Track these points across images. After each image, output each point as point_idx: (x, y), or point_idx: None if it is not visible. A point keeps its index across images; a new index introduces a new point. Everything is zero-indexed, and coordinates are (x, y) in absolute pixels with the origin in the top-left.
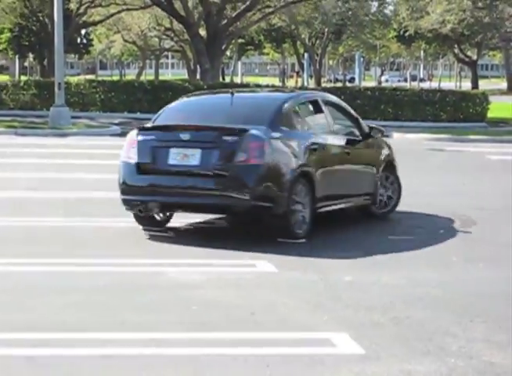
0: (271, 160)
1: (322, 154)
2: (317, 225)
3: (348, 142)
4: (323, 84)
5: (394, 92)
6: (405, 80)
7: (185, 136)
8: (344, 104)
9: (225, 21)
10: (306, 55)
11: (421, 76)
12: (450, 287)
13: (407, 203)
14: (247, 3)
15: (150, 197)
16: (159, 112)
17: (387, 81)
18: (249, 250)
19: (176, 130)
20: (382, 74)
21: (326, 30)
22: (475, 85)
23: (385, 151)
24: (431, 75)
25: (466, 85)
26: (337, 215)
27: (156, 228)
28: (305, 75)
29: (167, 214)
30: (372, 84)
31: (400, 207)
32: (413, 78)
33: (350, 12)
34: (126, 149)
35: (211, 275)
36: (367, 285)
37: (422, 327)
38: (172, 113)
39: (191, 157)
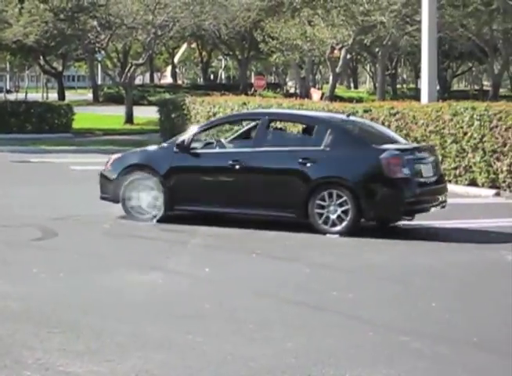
0: None
1: None
2: None
3: None
4: None
5: None
6: None
7: None
8: None
9: None
10: None
11: (8, 87)
12: (29, 300)
13: None
14: None
15: None
16: None
17: None
18: None
19: None
20: None
21: None
22: (62, 96)
23: None
24: (18, 86)
25: (54, 96)
26: None
27: None
28: None
29: None
30: None
31: None
32: None
33: None
34: None
35: None
36: None
37: (0, 341)
38: None
39: None
